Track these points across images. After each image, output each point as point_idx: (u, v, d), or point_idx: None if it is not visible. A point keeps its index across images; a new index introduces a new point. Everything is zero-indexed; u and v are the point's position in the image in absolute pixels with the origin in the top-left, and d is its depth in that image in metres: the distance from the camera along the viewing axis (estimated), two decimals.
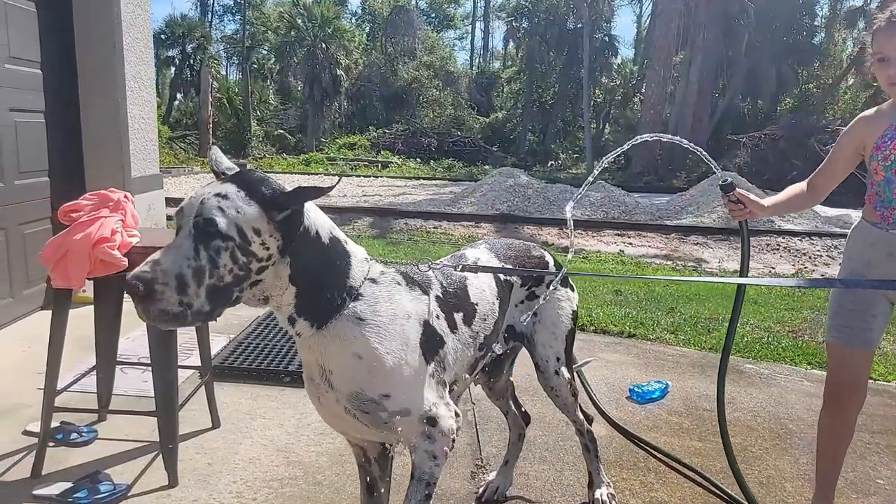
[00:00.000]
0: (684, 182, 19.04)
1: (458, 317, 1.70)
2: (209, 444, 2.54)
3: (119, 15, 4.00)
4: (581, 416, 2.21)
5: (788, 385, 3.63)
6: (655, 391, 3.30)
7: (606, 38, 28.25)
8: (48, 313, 3.97)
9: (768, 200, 2.06)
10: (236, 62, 36.09)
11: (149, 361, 3.23)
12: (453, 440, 1.57)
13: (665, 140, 1.98)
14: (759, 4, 22.64)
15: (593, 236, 9.95)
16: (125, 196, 2.16)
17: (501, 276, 1.90)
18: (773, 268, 8.72)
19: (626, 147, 2.01)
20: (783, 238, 9.82)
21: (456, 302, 1.71)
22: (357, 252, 1.49)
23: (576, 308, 2.11)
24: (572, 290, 2.12)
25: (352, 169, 21.33)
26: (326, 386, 1.46)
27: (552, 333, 2.02)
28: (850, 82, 27.81)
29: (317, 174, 19.71)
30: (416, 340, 1.51)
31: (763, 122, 24.17)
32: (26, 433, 2.52)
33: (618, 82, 30.43)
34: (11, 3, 3.61)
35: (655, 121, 21.61)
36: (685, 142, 2.04)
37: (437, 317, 1.62)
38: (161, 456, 2.27)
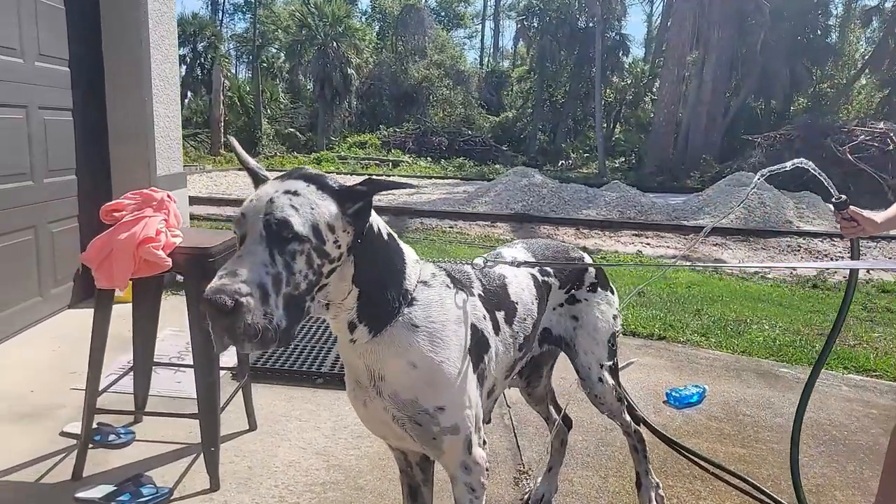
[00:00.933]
0: (697, 182, 18.89)
1: (500, 316, 1.65)
2: (247, 447, 2.50)
3: (146, 12, 3.97)
4: (628, 418, 2.15)
5: (827, 390, 3.55)
6: (693, 396, 3.24)
7: (618, 38, 28.06)
8: (76, 312, 4.01)
9: (881, 216, 1.97)
10: (246, 61, 36.19)
11: (184, 362, 3.25)
12: (487, 470, 1.52)
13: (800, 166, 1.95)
14: (774, 3, 22.44)
15: (610, 237, 9.87)
16: (168, 195, 2.12)
17: (539, 278, 1.84)
18: (793, 269, 8.61)
19: (787, 167, 1.99)
20: (804, 239, 9.71)
21: (497, 301, 1.66)
22: (409, 252, 1.43)
23: (617, 311, 2.04)
24: (612, 292, 2.05)
25: (363, 168, 21.29)
26: (375, 392, 1.40)
27: (593, 339, 1.95)
28: (864, 82, 27.59)
29: (328, 173, 19.66)
30: (466, 347, 1.46)
31: (776, 122, 23.96)
32: (64, 434, 2.49)
33: (629, 82, 30.25)
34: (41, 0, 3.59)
35: (669, 120, 21.47)
36: (822, 174, 1.99)
37: (484, 317, 1.57)
38: (201, 458, 2.23)
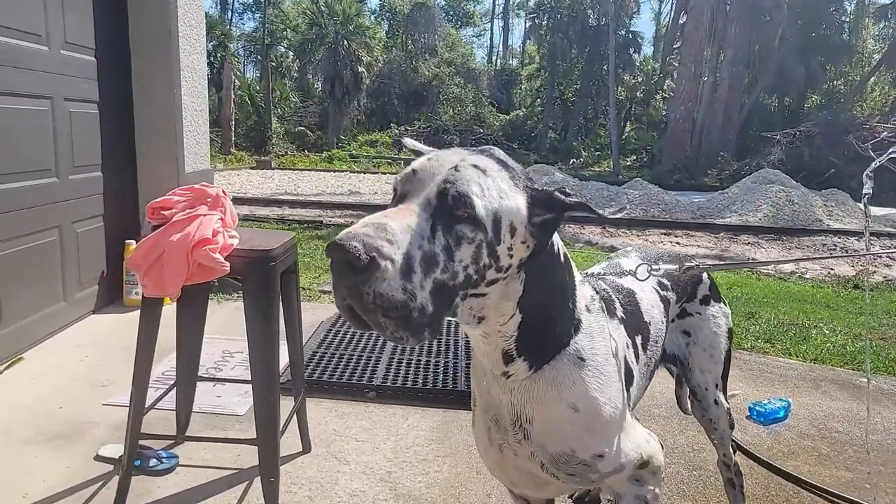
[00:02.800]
0: (715, 180, 18.58)
1: (639, 341, 1.42)
2: (304, 473, 2.24)
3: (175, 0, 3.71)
4: (731, 449, 1.92)
5: None
6: (779, 410, 2.96)
7: (630, 35, 27.75)
8: (101, 317, 3.76)
9: None
10: (255, 60, 36.01)
11: (221, 374, 2.99)
12: (662, 478, 1.29)
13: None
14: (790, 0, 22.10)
15: (638, 235, 9.58)
16: (223, 191, 1.86)
17: (660, 292, 1.61)
18: (831, 269, 8.31)
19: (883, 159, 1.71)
20: (839, 238, 9.40)
21: (634, 323, 1.42)
22: (576, 271, 1.17)
23: (731, 325, 1.81)
24: (725, 304, 1.82)
25: (375, 166, 21.06)
26: (520, 435, 1.15)
27: (710, 356, 1.73)
28: (876, 79, 27.21)
29: (341, 171, 19.46)
30: (624, 383, 1.22)
31: (790, 119, 23.63)
32: (99, 458, 2.23)
33: (640, 79, 29.93)
34: None
35: (686, 118, 21.13)
36: None
37: (627, 345, 1.33)
38: (255, 486, 1.97)
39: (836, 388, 3.39)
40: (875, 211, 12.29)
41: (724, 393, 1.81)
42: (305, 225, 8.67)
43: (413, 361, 3.15)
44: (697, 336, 1.73)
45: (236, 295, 4.32)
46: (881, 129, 18.53)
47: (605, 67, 26.52)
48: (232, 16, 37.42)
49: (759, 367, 3.63)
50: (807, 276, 7.85)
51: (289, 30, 32.13)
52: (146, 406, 1.93)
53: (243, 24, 39.89)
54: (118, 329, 3.57)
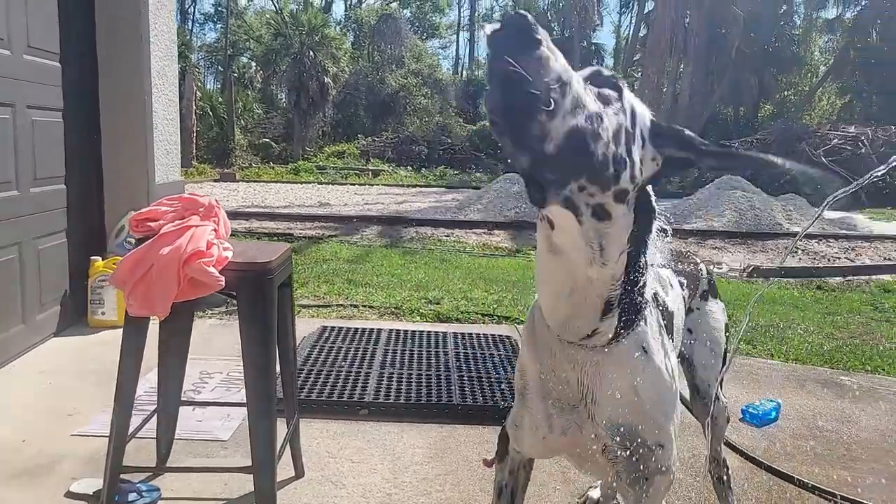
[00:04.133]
0: (679, 186, 18.94)
1: (668, 343, 1.38)
2: (299, 500, 2.11)
3: (146, 2, 3.56)
4: (723, 446, 1.95)
5: None
6: (771, 412, 2.96)
7: (593, 47, 28.25)
8: (64, 340, 3.55)
9: None
10: (216, 71, 35.46)
11: (200, 396, 2.85)
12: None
13: None
14: (745, 13, 22.81)
15: None
16: (216, 200, 1.75)
17: (681, 288, 1.58)
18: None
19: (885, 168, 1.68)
20: (800, 241, 9.62)
21: (666, 324, 1.38)
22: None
23: (727, 321, 1.82)
24: (721, 300, 1.83)
25: (342, 177, 20.85)
26: (585, 415, 1.11)
27: (711, 351, 1.74)
28: (824, 89, 28.32)
29: (308, 183, 19.20)
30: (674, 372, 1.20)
31: (746, 128, 24.33)
32: (71, 495, 2.05)
33: None
34: None
35: None
36: None
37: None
38: None
39: (819, 388, 3.42)
40: (830, 215, 12.66)
41: (722, 388, 1.82)
42: (275, 238, 8.49)
43: (405, 376, 3.06)
44: (699, 332, 1.73)
45: (210, 312, 4.16)
46: (832, 137, 19.19)
47: None
48: (193, 26, 36.82)
49: (745, 370, 3.65)
50: (771, 277, 8.00)
51: (252, 40, 31.74)
52: (131, 435, 1.80)
53: (204, 34, 39.29)
54: (83, 352, 3.38)
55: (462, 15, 41.19)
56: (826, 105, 28.54)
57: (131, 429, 1.81)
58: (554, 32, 27.93)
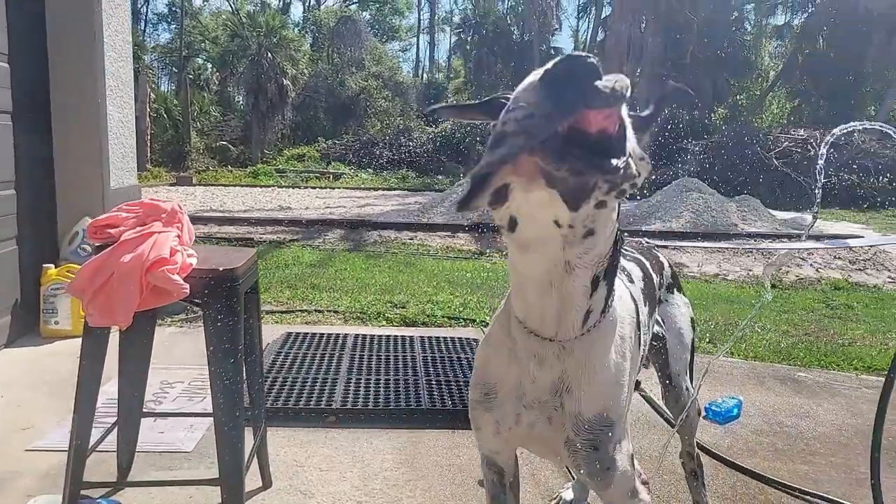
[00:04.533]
0: (637, 189, 19.34)
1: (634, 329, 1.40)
2: None
3: (100, 2, 3.45)
4: (695, 439, 1.98)
5: (850, 393, 3.44)
6: (733, 409, 3.03)
7: (552, 51, 28.62)
8: (14, 352, 3.40)
9: None
10: (170, 72, 34.63)
11: (161, 407, 2.76)
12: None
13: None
14: (699, 19, 23.45)
15: None
16: (179, 206, 1.70)
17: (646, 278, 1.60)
18: (750, 270, 8.77)
19: (858, 127, 1.76)
20: (755, 241, 9.92)
21: (649, 292, 1.49)
22: None
23: (693, 315, 1.85)
24: (685, 294, 1.87)
25: (303, 181, 20.61)
26: (556, 406, 1.10)
27: (680, 342, 1.77)
28: (774, 93, 29.33)
29: (267, 186, 18.90)
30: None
31: (700, 131, 25.00)
32: None
33: None
34: None
35: None
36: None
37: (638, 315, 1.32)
38: None
39: (778, 384, 3.52)
40: (780, 215, 13.12)
41: (692, 380, 1.85)
42: (235, 242, 8.33)
43: (373, 381, 3.03)
44: (667, 324, 1.75)
45: (170, 319, 4.05)
46: (783, 140, 19.88)
47: None
48: (145, 26, 35.87)
49: (705, 368, 3.73)
50: (729, 277, 8.25)
51: (207, 41, 31.13)
52: (92, 448, 1.73)
53: (158, 34, 38.33)
54: (36, 364, 3.25)
55: (422, 18, 41.25)
56: (776, 109, 29.52)
57: (91, 442, 1.74)
58: (514, 36, 28.21)
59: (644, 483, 1.24)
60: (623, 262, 1.47)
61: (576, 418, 1.09)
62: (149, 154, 22.27)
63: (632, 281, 1.39)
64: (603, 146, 0.75)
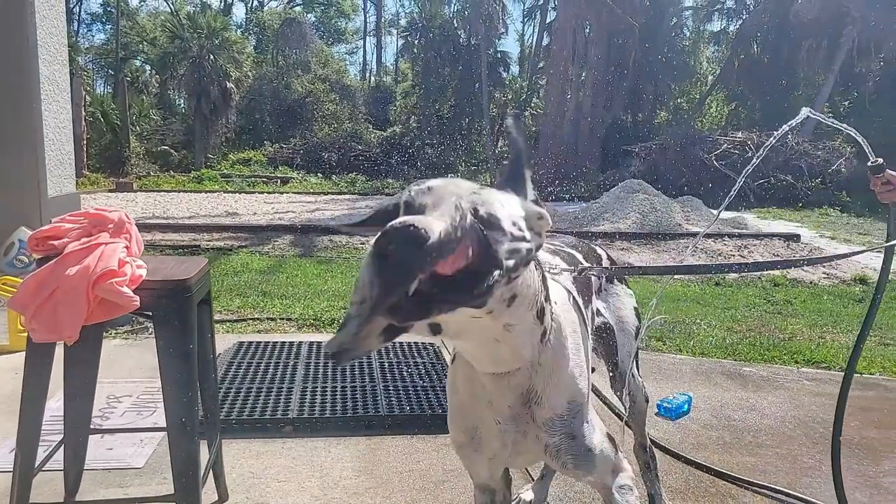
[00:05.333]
0: (585, 191, 19.73)
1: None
2: None
3: (33, 3, 3.30)
4: (646, 430, 2.05)
5: (793, 386, 3.60)
6: (683, 405, 3.13)
7: (499, 55, 28.91)
8: None
9: None
10: (106, 74, 33.31)
11: (108, 423, 2.65)
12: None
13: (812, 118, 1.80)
14: (640, 24, 24.12)
15: None
16: (126, 215, 1.64)
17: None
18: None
19: (800, 118, 1.84)
20: (699, 241, 10.25)
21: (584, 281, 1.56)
22: None
23: (636, 305, 1.93)
24: (628, 286, 1.94)
25: (249, 186, 20.16)
26: (528, 419, 1.16)
27: (622, 330, 1.83)
28: (713, 97, 30.44)
29: (213, 192, 18.41)
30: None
31: (644, 134, 25.75)
32: None
33: (510, 97, 31.21)
34: None
35: (556, 133, 22.32)
36: (851, 129, 1.86)
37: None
38: None
39: (725, 379, 3.65)
40: (724, 215, 13.61)
41: (638, 369, 1.94)
42: (180, 250, 8.10)
43: (329, 389, 2.99)
44: (611, 312, 1.81)
45: (115, 332, 3.90)
46: (722, 142, 20.64)
47: (477, 85, 27.40)
48: (79, 27, 34.39)
49: (656, 365, 3.84)
50: (677, 276, 8.49)
51: (145, 42, 30.13)
52: (38, 469, 1.65)
53: (92, 35, 36.84)
54: None
55: (368, 20, 41.00)
56: (715, 112, 30.60)
57: (37, 461, 1.66)
58: (461, 40, 28.35)
59: (625, 457, 1.32)
60: (548, 255, 1.51)
61: (550, 422, 1.15)
62: (85, 159, 21.37)
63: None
64: (466, 278, 0.79)
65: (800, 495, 2.31)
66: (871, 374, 3.92)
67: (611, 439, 1.28)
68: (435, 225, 0.74)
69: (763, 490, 2.36)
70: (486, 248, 0.81)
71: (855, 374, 3.81)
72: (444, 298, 0.78)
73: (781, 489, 2.34)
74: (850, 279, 7.58)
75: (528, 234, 0.90)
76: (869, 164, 1.84)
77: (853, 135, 1.85)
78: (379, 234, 0.75)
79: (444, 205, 0.84)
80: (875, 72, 21.55)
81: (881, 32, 20.23)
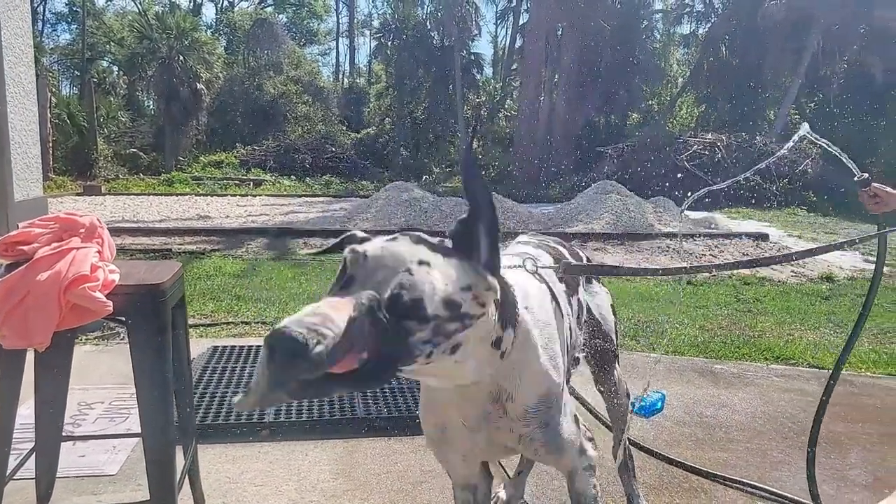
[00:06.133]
0: (560, 192, 19.92)
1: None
2: None
3: None
4: (626, 429, 2.10)
5: (762, 382, 3.68)
6: (657, 402, 3.15)
7: (472, 57, 29.01)
8: None
9: None
10: (72, 76, 32.59)
11: (80, 430, 2.60)
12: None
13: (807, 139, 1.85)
14: (611, 27, 24.43)
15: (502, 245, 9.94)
16: (97, 219, 1.62)
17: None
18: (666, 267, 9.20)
19: (796, 138, 1.89)
20: (671, 240, 10.42)
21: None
22: None
23: (613, 303, 1.97)
24: (602, 285, 1.98)
25: (221, 188, 19.90)
26: (500, 413, 1.18)
27: (605, 326, 1.87)
28: (683, 99, 30.97)
29: (184, 195, 18.13)
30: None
31: (616, 136, 26.05)
32: None
33: (484, 99, 31.35)
34: None
35: (530, 134, 22.47)
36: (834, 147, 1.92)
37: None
38: None
39: (697, 377, 3.72)
40: (693, 215, 13.84)
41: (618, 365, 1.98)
42: (151, 254, 7.96)
43: None
44: (592, 310, 1.83)
45: (85, 337, 3.83)
46: (692, 143, 21.01)
47: (450, 87, 27.46)
48: (43, 27, 33.60)
49: (629, 364, 3.88)
50: (649, 276, 8.60)
51: (113, 43, 29.56)
52: (10, 477, 1.62)
53: (57, 35, 36.01)
54: None
55: (340, 21, 40.81)
56: (685, 114, 31.12)
57: (8, 470, 1.63)
58: (434, 41, 28.38)
59: (590, 439, 1.35)
60: (531, 249, 1.59)
61: (523, 415, 1.18)
62: (51, 162, 20.87)
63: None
64: (370, 368, 0.82)
65: (770, 489, 2.36)
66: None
67: (576, 420, 1.32)
68: (323, 330, 0.76)
69: (735, 484, 2.41)
70: (393, 342, 0.83)
71: (821, 370, 3.94)
72: (343, 384, 0.81)
73: (752, 483, 2.40)
74: (816, 277, 7.76)
75: (467, 307, 0.91)
76: (855, 179, 1.91)
77: (837, 154, 1.92)
78: (271, 330, 0.79)
79: (369, 283, 0.86)
80: (839, 74, 22.11)
81: (845, 36, 20.81)
